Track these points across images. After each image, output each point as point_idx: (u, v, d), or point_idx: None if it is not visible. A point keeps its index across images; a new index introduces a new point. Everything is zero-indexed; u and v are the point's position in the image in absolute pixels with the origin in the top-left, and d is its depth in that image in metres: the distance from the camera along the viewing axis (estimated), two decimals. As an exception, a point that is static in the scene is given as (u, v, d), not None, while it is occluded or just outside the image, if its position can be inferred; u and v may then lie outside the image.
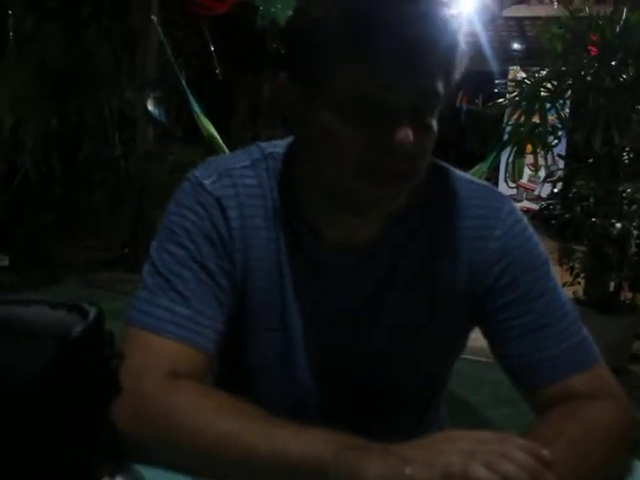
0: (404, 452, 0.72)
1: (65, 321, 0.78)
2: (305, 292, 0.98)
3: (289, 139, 1.01)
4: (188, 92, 4.70)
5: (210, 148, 4.51)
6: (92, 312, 0.80)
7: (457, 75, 0.89)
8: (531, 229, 1.00)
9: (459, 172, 1.03)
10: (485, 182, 1.05)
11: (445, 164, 1.03)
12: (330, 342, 1.00)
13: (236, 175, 0.98)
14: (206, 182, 0.97)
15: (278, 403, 0.94)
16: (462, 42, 0.87)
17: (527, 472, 0.71)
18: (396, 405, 1.06)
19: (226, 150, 4.41)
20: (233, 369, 1.06)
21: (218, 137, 4.54)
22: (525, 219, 1.00)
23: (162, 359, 0.89)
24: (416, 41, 0.82)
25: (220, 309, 0.95)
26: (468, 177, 1.03)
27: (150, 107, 5.75)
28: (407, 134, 0.82)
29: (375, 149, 0.83)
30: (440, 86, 0.85)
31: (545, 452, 0.74)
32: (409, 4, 0.82)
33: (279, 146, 1.02)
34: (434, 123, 0.87)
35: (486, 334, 1.00)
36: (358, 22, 0.82)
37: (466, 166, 3.92)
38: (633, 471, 0.90)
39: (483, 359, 3.23)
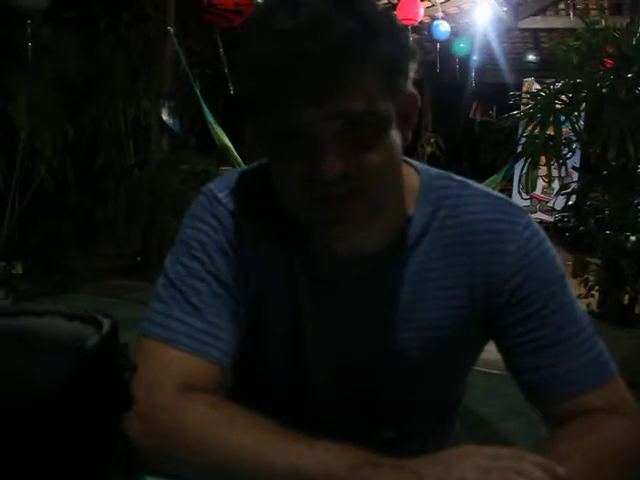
0: (418, 468, 0.72)
1: (80, 333, 0.78)
2: (318, 304, 0.98)
3: None
4: (202, 102, 4.73)
5: (223, 158, 4.53)
6: (106, 324, 0.80)
7: (399, 79, 0.86)
8: (548, 243, 0.99)
9: (476, 184, 1.02)
10: (502, 195, 1.04)
11: (461, 177, 1.03)
12: (344, 353, 1.00)
13: (250, 188, 0.99)
14: (220, 195, 0.98)
15: (291, 415, 0.94)
16: (384, 47, 0.82)
17: None
18: (409, 418, 1.06)
19: (239, 160, 4.43)
20: (246, 380, 1.06)
21: (231, 147, 4.56)
22: (542, 232, 0.99)
23: (175, 371, 0.89)
24: (310, 74, 0.79)
25: (234, 322, 0.95)
26: (485, 190, 1.02)
27: (165, 117, 5.79)
28: (332, 164, 0.80)
29: (310, 182, 0.83)
30: (364, 103, 0.81)
31: (561, 469, 0.73)
32: (294, 41, 0.78)
33: None
34: (390, 132, 0.85)
35: (501, 348, 0.99)
36: (254, 68, 0.82)
37: (480, 178, 3.91)
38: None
39: (495, 371, 3.22)
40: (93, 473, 0.78)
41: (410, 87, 0.89)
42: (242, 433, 0.82)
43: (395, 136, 0.86)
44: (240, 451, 0.81)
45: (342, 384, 1.01)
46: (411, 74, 0.88)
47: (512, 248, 0.95)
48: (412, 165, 1.00)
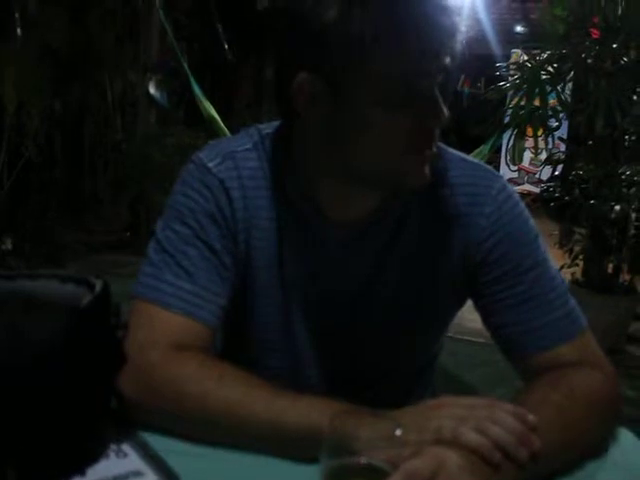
0: (397, 417, 0.76)
1: (74, 293, 0.82)
2: (306, 268, 1.02)
3: (277, 122, 1.04)
4: (190, 75, 4.70)
5: (211, 131, 4.52)
6: (99, 285, 0.84)
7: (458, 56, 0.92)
8: (522, 205, 1.03)
9: (452, 150, 1.06)
10: (478, 160, 1.07)
11: (439, 143, 1.06)
12: (329, 316, 1.04)
13: (239, 158, 1.02)
14: (210, 165, 1.01)
15: (278, 375, 0.98)
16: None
17: (514, 436, 0.75)
18: (391, 376, 1.10)
19: (227, 133, 4.42)
20: (235, 342, 1.10)
21: (219, 120, 4.55)
22: (516, 195, 1.04)
23: (167, 332, 0.92)
24: (439, 23, 0.85)
25: (223, 285, 0.98)
26: (461, 155, 1.06)
27: (152, 90, 5.76)
28: (444, 112, 0.88)
29: (421, 131, 0.88)
30: (451, 63, 0.88)
31: (531, 417, 0.78)
32: None
33: (274, 127, 1.05)
34: None
35: (478, 306, 1.04)
36: (387, 15, 0.83)
37: (468, 149, 3.92)
38: (616, 437, 0.94)
39: (480, 340, 3.28)
40: (87, 427, 0.82)
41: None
42: (230, 389, 0.86)
43: None
44: (228, 406, 0.85)
45: (327, 345, 1.05)
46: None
47: (487, 210, 0.99)
48: None
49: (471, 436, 0.74)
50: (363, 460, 0.68)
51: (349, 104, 0.88)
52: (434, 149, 0.92)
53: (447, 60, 0.87)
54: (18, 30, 4.98)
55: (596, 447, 0.91)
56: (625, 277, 4.20)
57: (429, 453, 0.71)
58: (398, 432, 0.69)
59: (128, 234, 5.88)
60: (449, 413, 0.79)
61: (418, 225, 1.01)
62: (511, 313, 0.99)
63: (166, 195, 1.04)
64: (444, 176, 1.01)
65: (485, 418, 0.76)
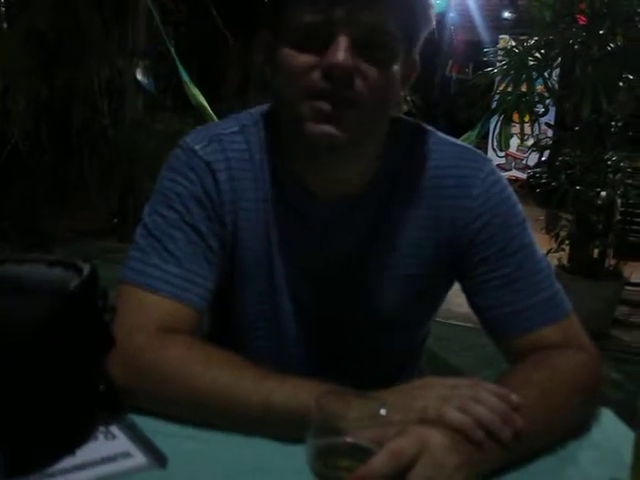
0: (383, 397, 0.77)
1: (61, 277, 0.82)
2: (293, 249, 1.03)
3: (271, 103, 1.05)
4: (177, 60, 4.67)
5: (199, 117, 4.50)
6: (86, 269, 0.84)
7: (424, 22, 0.94)
8: (510, 189, 1.04)
9: (442, 134, 1.07)
10: (467, 144, 1.08)
11: (429, 127, 1.07)
12: (317, 297, 1.05)
13: (226, 140, 1.02)
14: (197, 147, 1.01)
15: (265, 357, 0.99)
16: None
17: (497, 414, 0.77)
18: (380, 358, 1.11)
19: (215, 119, 4.40)
20: (223, 325, 1.10)
21: (207, 106, 4.52)
22: (504, 179, 1.05)
23: (154, 315, 0.93)
24: None
25: (210, 268, 0.99)
26: (451, 139, 1.07)
27: (139, 76, 5.73)
28: (342, 56, 0.85)
29: (316, 68, 0.87)
30: (391, 25, 0.88)
31: (514, 396, 0.79)
32: None
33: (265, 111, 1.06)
34: (394, 67, 0.90)
35: (465, 288, 1.05)
36: None
37: (456, 135, 3.91)
38: (598, 418, 0.96)
39: (469, 324, 3.31)
40: (76, 410, 0.83)
41: (416, 53, 0.96)
42: (217, 371, 0.87)
43: (397, 81, 0.92)
44: (215, 388, 0.85)
45: (314, 327, 1.06)
46: (421, 41, 0.96)
47: (475, 193, 1.00)
48: None
49: (454, 415, 0.75)
50: (349, 440, 0.69)
51: (276, 54, 0.92)
52: (335, 108, 0.88)
53: (373, 19, 0.87)
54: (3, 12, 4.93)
55: (578, 427, 0.92)
56: (610, 262, 4.24)
57: (413, 432, 0.72)
58: (383, 412, 0.70)
59: (115, 220, 5.86)
60: (434, 393, 0.80)
61: (406, 205, 1.02)
62: (496, 295, 1.00)
63: (154, 182, 1.04)
64: (432, 158, 1.02)
65: (469, 397, 0.78)
